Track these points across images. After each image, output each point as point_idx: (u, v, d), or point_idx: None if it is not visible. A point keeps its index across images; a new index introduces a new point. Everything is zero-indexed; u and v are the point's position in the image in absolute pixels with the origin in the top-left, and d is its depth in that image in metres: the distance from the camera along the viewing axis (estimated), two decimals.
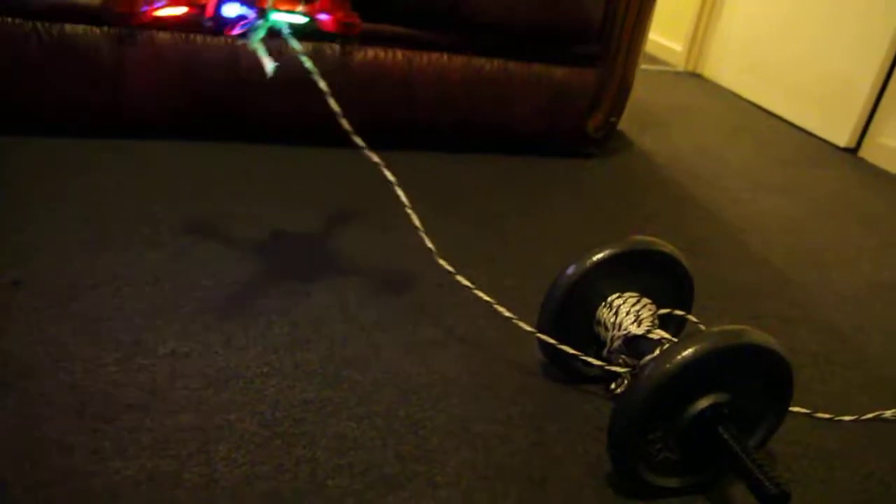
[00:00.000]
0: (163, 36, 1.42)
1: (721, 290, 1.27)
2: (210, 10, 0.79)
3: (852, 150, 2.35)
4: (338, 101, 1.54)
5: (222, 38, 1.45)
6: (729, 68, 2.98)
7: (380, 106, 1.57)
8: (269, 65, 0.84)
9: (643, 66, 3.10)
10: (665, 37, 3.39)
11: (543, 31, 1.57)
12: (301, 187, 1.42)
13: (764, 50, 2.77)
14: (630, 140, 2.03)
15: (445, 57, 1.56)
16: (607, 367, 0.87)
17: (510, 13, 1.52)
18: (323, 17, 0.91)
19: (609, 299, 0.89)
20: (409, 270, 1.17)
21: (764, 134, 2.42)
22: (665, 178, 1.80)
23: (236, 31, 0.81)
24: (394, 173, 1.53)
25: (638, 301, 0.88)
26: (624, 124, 2.06)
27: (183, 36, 1.43)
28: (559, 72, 1.65)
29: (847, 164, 2.21)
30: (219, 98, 1.49)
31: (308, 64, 0.83)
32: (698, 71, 3.19)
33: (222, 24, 0.81)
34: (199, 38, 1.44)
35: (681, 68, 3.22)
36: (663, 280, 0.91)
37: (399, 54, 1.53)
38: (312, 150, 1.58)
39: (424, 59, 1.55)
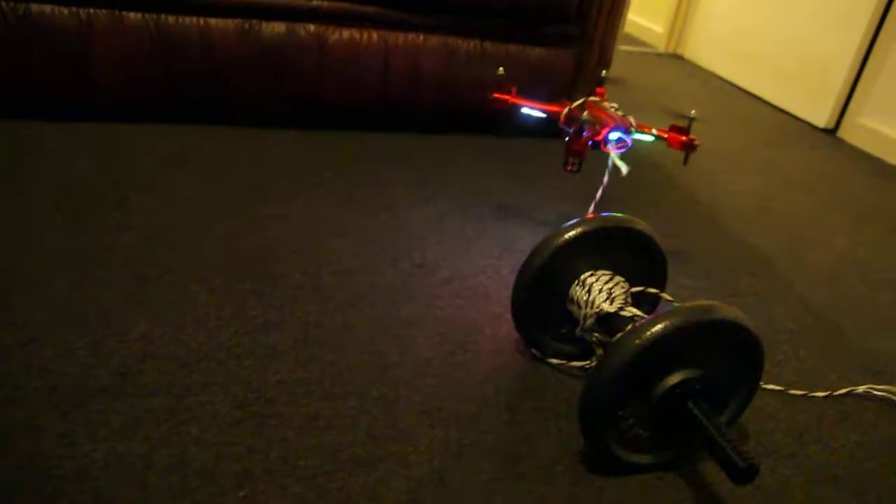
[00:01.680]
0: (132, 16, 1.40)
1: (698, 268, 1.28)
2: (602, 136, 1.11)
3: (831, 131, 2.37)
4: (314, 82, 1.54)
5: (194, 18, 1.43)
6: (710, 50, 2.99)
7: (355, 86, 1.56)
8: (624, 168, 1.08)
9: (624, 48, 3.10)
10: (646, 18, 3.38)
11: (520, 11, 1.56)
12: (277, 169, 1.40)
13: (744, 31, 2.77)
14: None
15: (421, 37, 1.54)
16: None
17: None
18: (669, 137, 1.20)
19: (582, 277, 0.89)
20: (386, 251, 1.16)
21: (744, 114, 2.43)
22: (642, 158, 1.80)
23: (613, 149, 1.10)
24: (369, 153, 1.53)
25: (611, 279, 0.88)
26: None
27: (153, 16, 1.41)
28: (536, 52, 1.64)
29: (826, 145, 2.23)
30: (191, 78, 1.47)
31: (624, 170, 1.09)
32: (679, 52, 3.19)
33: (605, 143, 1.11)
34: (170, 17, 1.42)
35: (662, 50, 3.22)
36: (636, 257, 0.91)
37: (374, 35, 1.52)
38: (290, 131, 1.57)
39: (400, 39, 1.53)
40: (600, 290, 0.87)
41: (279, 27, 1.47)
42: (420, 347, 0.94)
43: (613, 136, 1.10)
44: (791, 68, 2.52)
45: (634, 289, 0.89)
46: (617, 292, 0.87)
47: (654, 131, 1.19)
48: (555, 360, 0.94)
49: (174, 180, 1.30)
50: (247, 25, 1.45)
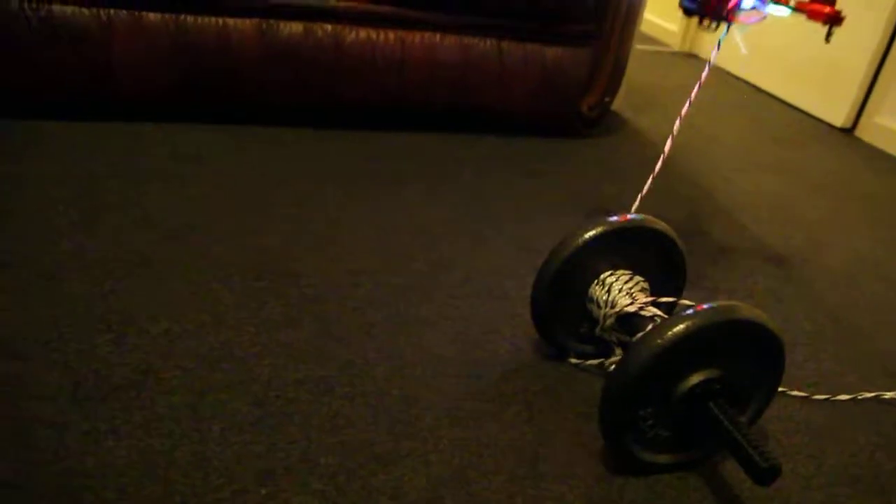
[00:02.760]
0: (152, 17, 1.41)
1: (714, 268, 1.27)
2: (732, 3, 0.96)
3: (848, 130, 2.35)
4: (331, 82, 1.54)
5: (213, 18, 1.43)
6: (725, 49, 2.97)
7: (372, 86, 1.56)
8: (744, 47, 0.89)
9: (639, 47, 3.08)
10: (661, 17, 3.37)
11: (538, 10, 1.56)
12: (294, 168, 1.41)
13: (760, 29, 2.75)
14: (624, 120, 2.03)
15: (438, 36, 1.55)
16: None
17: None
18: (809, 9, 1.05)
19: (602, 277, 0.89)
20: (403, 250, 1.16)
21: (759, 113, 2.41)
22: (658, 156, 1.79)
23: (743, 19, 0.96)
24: (385, 152, 1.54)
25: (631, 278, 0.88)
26: (618, 104, 2.05)
27: (173, 16, 1.42)
28: (553, 51, 1.64)
29: (843, 144, 2.21)
30: (210, 78, 1.48)
31: (744, 49, 0.90)
32: (694, 51, 3.18)
33: (736, 7, 0.96)
34: (189, 18, 1.42)
35: (677, 49, 3.21)
36: (656, 257, 0.91)
37: (391, 34, 1.52)
38: (307, 130, 1.58)
39: (417, 38, 1.54)
40: (620, 290, 0.86)
41: (297, 27, 1.47)
42: (439, 347, 0.94)
43: (748, 1, 0.96)
44: (807, 67, 2.50)
45: (655, 295, 0.89)
46: (637, 292, 0.87)
47: (791, 2, 1.05)
48: (574, 360, 0.94)
49: (191, 179, 1.30)
50: (264, 25, 1.46)
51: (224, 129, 1.52)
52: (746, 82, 2.80)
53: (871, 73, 2.28)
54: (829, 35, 1.07)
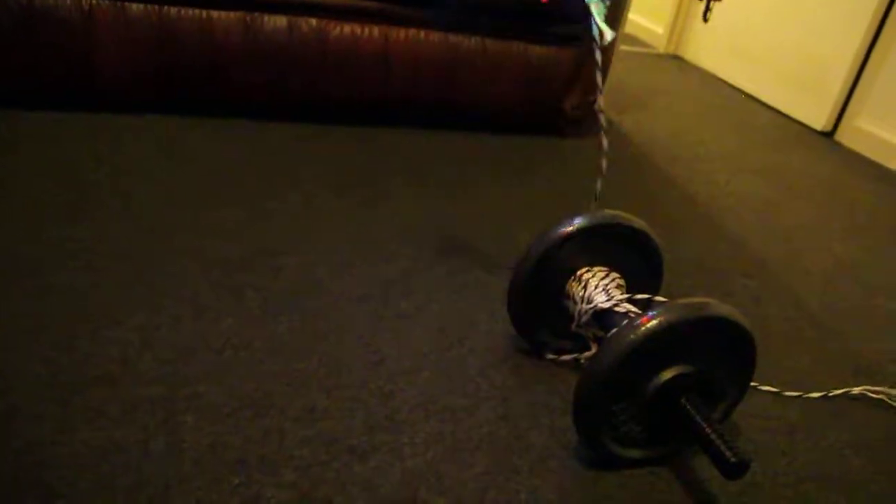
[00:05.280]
0: (135, 7, 1.40)
1: (694, 268, 1.29)
2: None
3: (829, 134, 2.38)
4: (315, 77, 1.54)
5: (196, 10, 1.43)
6: (709, 51, 2.99)
7: (356, 82, 1.56)
8: (609, 33, 0.84)
9: (625, 48, 3.10)
10: (647, 19, 3.39)
11: (524, 9, 1.57)
12: (276, 163, 1.41)
13: (744, 33, 2.78)
14: (609, 120, 2.04)
15: (422, 33, 1.55)
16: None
17: None
18: None
19: (578, 273, 0.89)
20: (384, 244, 1.17)
21: (742, 116, 2.43)
22: (642, 158, 1.81)
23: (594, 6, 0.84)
24: (369, 147, 1.54)
25: (607, 275, 0.89)
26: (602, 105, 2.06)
27: (156, 7, 1.41)
28: (537, 50, 1.65)
29: (823, 148, 2.24)
30: (193, 71, 1.47)
31: (608, 35, 0.84)
32: (679, 53, 3.20)
33: None
34: (172, 9, 1.42)
35: (662, 51, 3.23)
36: (633, 254, 0.92)
37: (375, 30, 1.52)
38: (290, 125, 1.58)
39: (401, 34, 1.54)
40: (596, 287, 0.87)
41: (281, 21, 1.47)
42: (417, 341, 0.95)
43: None
44: (790, 70, 2.53)
45: (632, 292, 0.90)
46: (613, 289, 0.87)
47: None
48: (550, 356, 0.94)
49: (173, 172, 1.30)
50: (248, 18, 1.45)
51: (207, 123, 1.52)
52: (731, 85, 2.83)
53: (852, 77, 2.30)
54: (706, 13, 0.96)
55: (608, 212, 0.89)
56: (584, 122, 1.83)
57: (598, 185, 0.94)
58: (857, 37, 2.26)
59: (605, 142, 0.93)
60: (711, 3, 0.95)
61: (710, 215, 1.54)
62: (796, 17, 2.51)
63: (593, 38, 0.85)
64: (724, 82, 2.86)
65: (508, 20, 1.59)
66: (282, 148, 1.47)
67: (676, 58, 3.18)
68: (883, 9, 2.19)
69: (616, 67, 2.01)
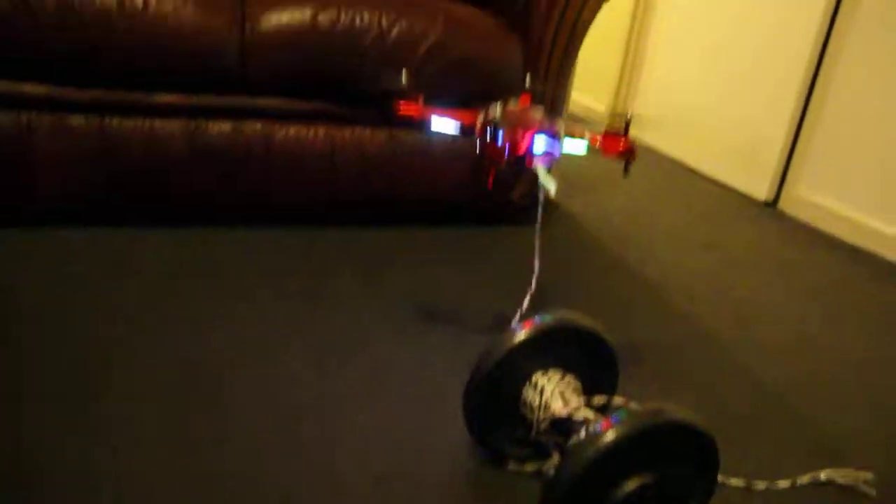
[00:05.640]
0: (76, 120, 1.39)
1: (648, 353, 1.28)
2: (523, 148, 0.94)
3: (772, 204, 2.44)
4: (261, 180, 1.53)
5: (139, 120, 1.42)
6: (652, 127, 3.09)
7: (303, 183, 1.55)
8: (552, 186, 0.93)
9: None
10: (589, 97, 3.49)
11: (461, 100, 1.59)
12: (223, 272, 1.38)
13: (682, 108, 2.88)
14: (557, 205, 2.06)
15: (368, 131, 1.56)
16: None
17: (428, 87, 1.53)
18: (603, 143, 1.04)
19: (533, 378, 0.88)
20: (337, 353, 1.14)
21: (687, 191, 2.49)
22: (593, 241, 1.82)
23: (539, 161, 0.93)
24: (318, 249, 1.52)
25: (562, 378, 0.87)
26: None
27: (98, 119, 1.40)
28: None
29: (767, 218, 2.29)
30: (137, 180, 1.45)
31: (552, 189, 0.93)
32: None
33: (530, 156, 0.94)
34: (114, 120, 1.41)
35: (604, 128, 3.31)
36: (586, 354, 0.91)
37: (321, 130, 1.53)
38: (237, 230, 1.55)
39: (347, 134, 1.55)
40: (552, 392, 0.85)
41: (225, 126, 1.47)
42: (374, 457, 0.91)
43: (538, 144, 0.94)
44: (729, 143, 2.61)
45: (590, 397, 0.88)
46: (569, 393, 0.86)
47: (586, 136, 1.03)
48: (512, 465, 0.91)
49: (116, 288, 1.26)
50: (192, 125, 1.45)
51: (151, 232, 1.49)
52: (674, 160, 2.91)
53: (787, 147, 2.39)
54: (626, 169, 1.07)
55: (557, 314, 0.88)
56: (528, 211, 1.85)
57: (525, 301, 0.94)
58: (788, 107, 2.35)
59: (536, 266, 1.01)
60: (630, 163, 1.04)
61: (660, 294, 1.54)
62: (730, 92, 2.62)
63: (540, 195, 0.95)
64: (669, 158, 2.94)
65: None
66: (229, 255, 1.45)
67: None
68: (809, 80, 2.30)
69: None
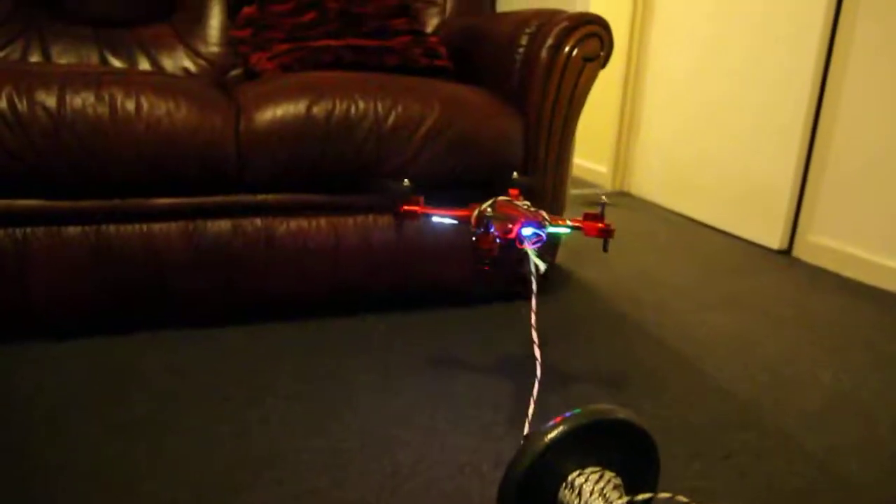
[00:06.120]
0: (71, 230, 1.35)
1: (685, 430, 1.21)
2: (514, 233, 1.05)
3: (786, 252, 2.39)
4: (264, 276, 1.49)
5: (136, 225, 1.39)
6: (655, 183, 3.07)
7: (307, 276, 1.51)
8: (542, 265, 1.01)
9: (574, 192, 3.16)
10: (589, 159, 3.49)
11: (465, 180, 1.56)
12: (229, 375, 1.32)
13: (686, 162, 2.86)
14: (568, 272, 2.02)
15: (371, 218, 1.53)
16: None
17: (429, 169, 1.51)
18: (584, 226, 1.17)
19: (570, 479, 0.81)
20: (355, 460, 1.07)
21: (698, 246, 2.44)
22: (608, 308, 1.77)
23: (528, 245, 1.04)
24: (327, 343, 1.46)
25: (601, 477, 0.80)
26: (561, 256, 2.05)
27: (93, 228, 1.37)
28: None
29: (783, 267, 2.24)
30: (136, 287, 1.41)
31: (542, 267, 1.02)
32: (626, 189, 3.27)
33: (520, 240, 1.05)
34: (111, 227, 1.38)
35: (609, 189, 3.30)
36: (625, 447, 0.84)
37: (323, 221, 1.49)
38: (241, 328, 1.50)
39: (350, 222, 1.51)
40: (591, 492, 0.79)
41: (224, 225, 1.43)
42: None
43: (527, 231, 1.05)
44: (736, 194, 2.58)
45: (633, 497, 0.82)
46: (609, 491, 0.79)
47: (568, 222, 1.18)
48: None
49: (118, 401, 1.20)
50: (191, 226, 1.41)
51: (153, 338, 1.44)
52: (681, 215, 2.87)
53: (796, 193, 2.35)
54: (605, 246, 1.20)
55: (590, 407, 0.82)
56: (543, 281, 1.80)
57: (530, 410, 0.94)
58: (793, 152, 2.33)
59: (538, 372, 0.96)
60: (607, 241, 1.14)
61: (688, 361, 1.48)
62: (733, 141, 2.60)
63: (531, 273, 1.02)
64: (675, 213, 2.91)
65: (452, 192, 1.58)
66: (234, 356, 1.39)
67: (624, 194, 3.25)
68: (811, 124, 2.28)
69: (567, 214, 2.01)
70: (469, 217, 1.16)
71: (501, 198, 1.18)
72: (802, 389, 1.39)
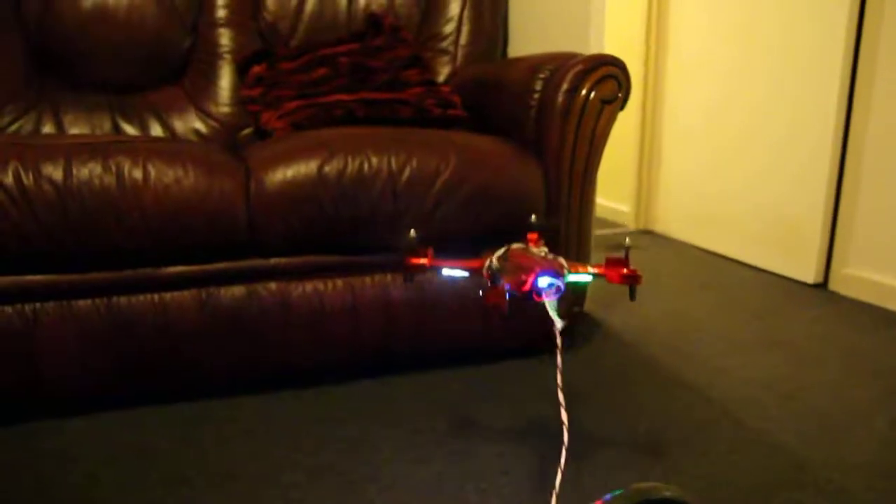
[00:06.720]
0: (81, 304, 1.32)
1: (732, 491, 1.12)
2: (528, 285, 0.95)
3: (822, 286, 2.30)
4: (280, 341, 1.44)
5: (148, 295, 1.35)
6: (680, 220, 2.99)
7: (325, 339, 1.45)
8: (559, 322, 0.94)
9: (597, 233, 3.10)
10: (611, 199, 3.43)
11: (486, 232, 1.51)
12: (247, 451, 1.26)
13: (711, 197, 2.79)
14: (597, 321, 1.94)
15: (389, 276, 1.47)
16: None
17: (447, 223, 1.46)
18: (607, 273, 1.07)
19: None
20: None
21: (729, 284, 2.36)
22: (641, 358, 1.69)
23: (545, 297, 0.95)
24: (347, 410, 1.40)
25: None
26: (588, 304, 1.98)
27: (104, 300, 1.33)
28: None
29: (821, 302, 2.14)
30: (147, 358, 1.36)
31: (558, 323, 0.94)
32: (650, 228, 3.20)
33: (536, 292, 0.95)
34: (122, 299, 1.34)
35: (632, 228, 3.23)
36: None
37: (340, 282, 1.44)
38: (256, 398, 1.44)
39: (367, 282, 1.46)
40: None
41: (238, 290, 1.39)
42: None
43: (543, 281, 0.95)
44: (766, 228, 2.50)
45: None
46: None
47: (590, 269, 1.07)
48: None
49: (133, 483, 1.15)
50: (204, 294, 1.37)
51: (166, 412, 1.39)
52: (709, 252, 2.79)
53: (828, 223, 2.27)
54: (632, 294, 1.08)
55: (632, 489, 0.75)
56: (571, 332, 1.73)
57: (557, 480, 0.89)
58: (822, 182, 2.25)
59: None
60: (634, 288, 1.04)
61: (729, 412, 1.39)
62: (758, 173, 2.53)
63: (553, 325, 0.94)
64: (702, 249, 2.83)
65: (473, 245, 1.53)
66: (251, 428, 1.33)
67: (648, 233, 3.18)
68: (839, 151, 2.21)
69: (593, 257, 1.95)
70: (480, 268, 1.07)
71: (515, 245, 1.09)
72: (856, 439, 1.29)
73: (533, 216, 1.23)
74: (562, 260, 1.03)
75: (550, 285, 0.96)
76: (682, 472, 1.17)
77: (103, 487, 1.13)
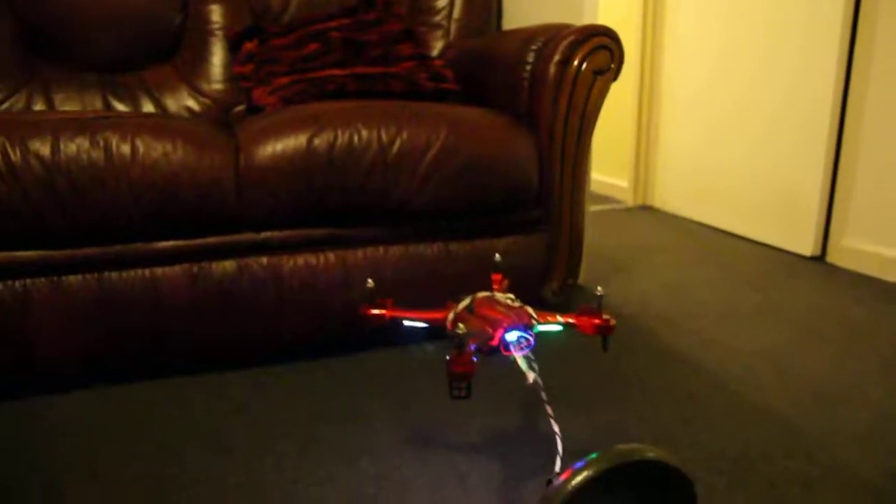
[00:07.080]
0: (72, 279, 1.31)
1: (725, 459, 1.12)
2: (496, 340, 0.92)
3: (819, 258, 2.29)
4: (272, 315, 1.44)
5: (139, 270, 1.35)
6: (677, 195, 2.98)
7: (317, 313, 1.45)
8: (532, 375, 0.90)
9: (594, 208, 3.09)
10: (609, 175, 3.42)
11: (481, 205, 1.50)
12: (239, 422, 1.26)
13: (708, 171, 2.78)
14: (593, 293, 1.94)
15: (381, 249, 1.47)
16: None
17: (439, 196, 1.45)
18: (578, 322, 1.03)
19: None
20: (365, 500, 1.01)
21: (727, 257, 2.35)
22: (637, 329, 1.68)
23: (516, 352, 0.92)
24: (340, 384, 1.40)
25: None
26: (584, 276, 1.97)
27: (95, 275, 1.32)
28: (504, 243, 1.56)
29: (817, 274, 2.14)
30: (139, 333, 1.36)
31: (529, 377, 0.89)
32: (648, 203, 3.19)
33: (504, 346, 0.93)
34: (112, 274, 1.33)
35: (631, 204, 3.22)
36: (658, 490, 0.76)
37: (332, 256, 1.44)
38: (251, 371, 1.45)
39: (360, 255, 1.45)
40: None
41: (230, 265, 1.39)
42: None
43: (511, 336, 0.92)
44: (764, 201, 2.49)
45: None
46: None
47: (560, 319, 1.03)
48: None
49: (120, 456, 1.15)
50: (195, 269, 1.37)
51: (159, 385, 1.39)
52: (707, 225, 2.78)
53: (826, 195, 2.26)
54: (604, 345, 1.05)
55: (614, 450, 0.74)
56: (569, 304, 1.73)
57: (557, 463, 0.87)
58: (819, 154, 2.24)
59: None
60: (607, 339, 1.01)
61: (725, 383, 1.39)
62: (757, 148, 2.51)
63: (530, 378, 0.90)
64: (700, 224, 2.82)
65: (466, 220, 1.52)
66: (243, 401, 1.34)
67: (646, 208, 3.17)
68: (837, 122, 2.19)
69: (590, 232, 1.94)
70: (443, 320, 1.02)
71: (480, 294, 1.04)
72: (851, 409, 1.29)
73: (497, 255, 1.18)
74: (529, 309, 1.00)
75: (520, 339, 0.93)
76: (675, 441, 1.17)
77: (98, 461, 1.14)
